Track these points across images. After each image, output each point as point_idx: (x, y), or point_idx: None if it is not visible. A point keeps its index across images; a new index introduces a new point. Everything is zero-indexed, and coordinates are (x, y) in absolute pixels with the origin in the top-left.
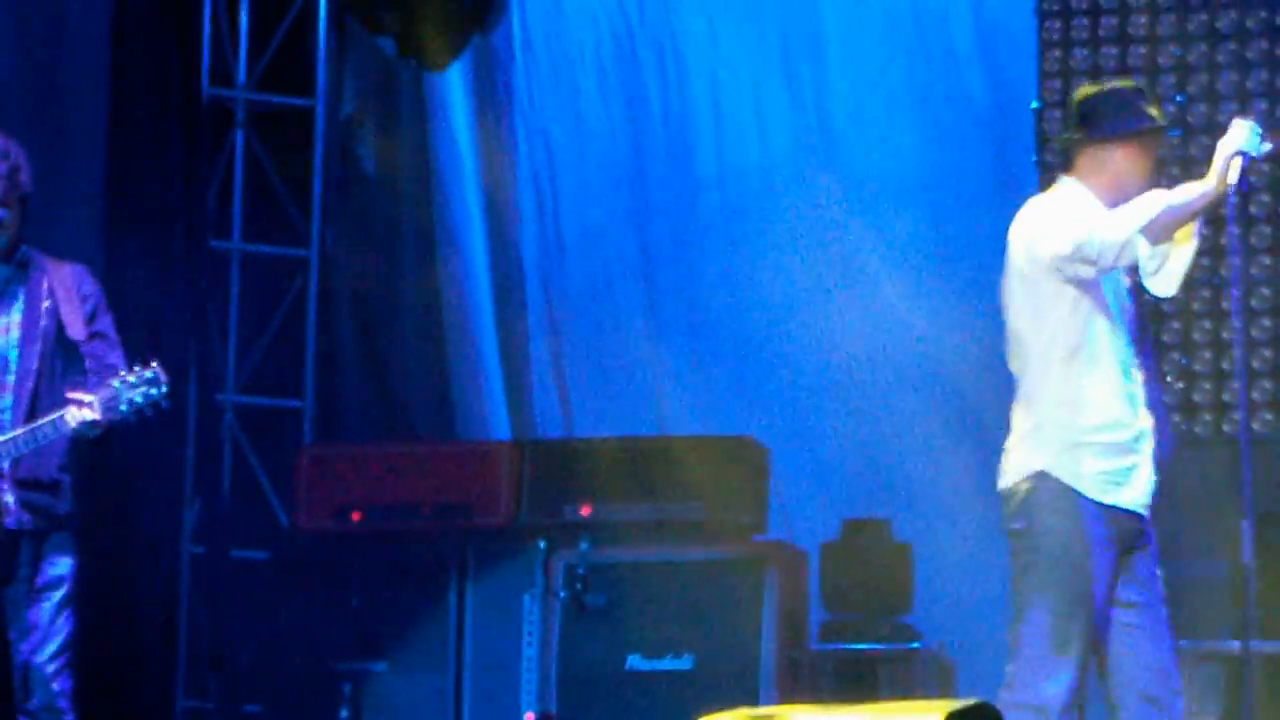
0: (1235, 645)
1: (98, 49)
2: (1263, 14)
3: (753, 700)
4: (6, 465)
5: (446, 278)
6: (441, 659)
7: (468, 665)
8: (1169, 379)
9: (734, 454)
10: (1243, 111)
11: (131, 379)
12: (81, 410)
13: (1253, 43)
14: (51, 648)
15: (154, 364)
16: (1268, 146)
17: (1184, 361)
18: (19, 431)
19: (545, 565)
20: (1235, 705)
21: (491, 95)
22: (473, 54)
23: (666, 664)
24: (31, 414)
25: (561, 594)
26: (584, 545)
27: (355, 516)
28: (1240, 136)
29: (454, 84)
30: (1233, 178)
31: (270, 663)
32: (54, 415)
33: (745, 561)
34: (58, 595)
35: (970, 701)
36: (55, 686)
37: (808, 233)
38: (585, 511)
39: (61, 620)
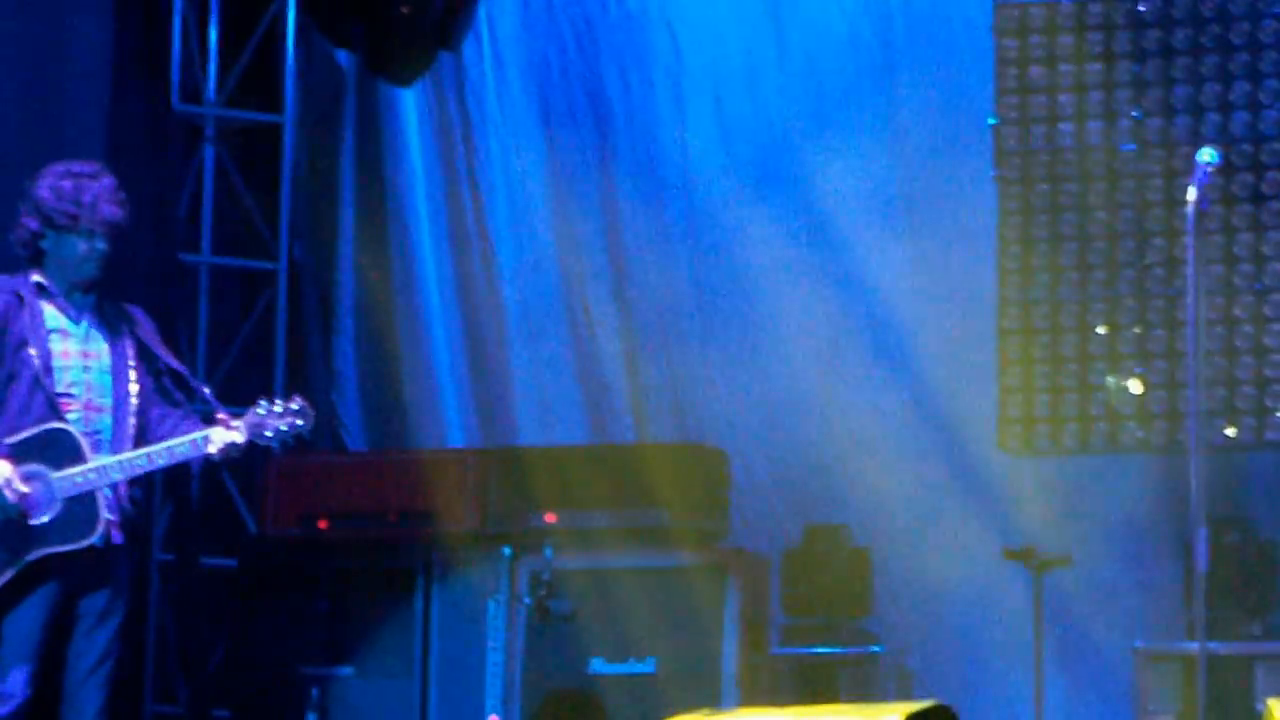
0: (1191, 646)
1: (100, 64)
2: (1215, 29)
3: (714, 703)
4: (124, 483)
5: (401, 288)
6: (408, 664)
7: (434, 670)
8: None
9: (695, 461)
10: (1196, 126)
11: (278, 408)
12: (229, 432)
13: (1206, 58)
14: (102, 674)
15: (298, 397)
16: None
17: (1139, 370)
18: (155, 448)
19: (510, 571)
20: (1191, 704)
21: (460, 110)
22: (437, 70)
23: (629, 667)
24: (139, 439)
25: (526, 599)
26: (548, 552)
27: (322, 524)
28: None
29: (409, 100)
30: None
31: (239, 668)
32: (195, 435)
33: (707, 567)
34: (118, 620)
35: (928, 703)
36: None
37: (771, 244)
38: (549, 518)
39: (114, 648)
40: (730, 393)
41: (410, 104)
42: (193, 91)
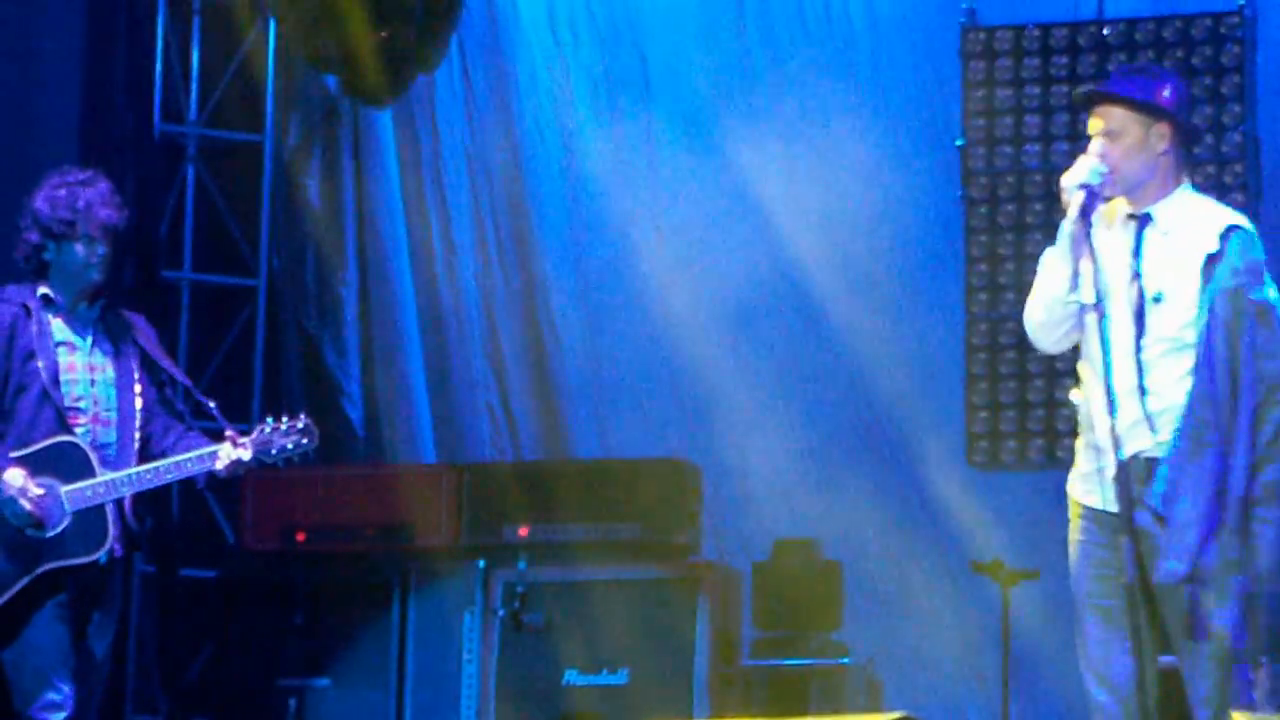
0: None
1: (68, 89)
2: (1179, 54)
3: (686, 715)
4: (129, 498)
5: (376, 306)
6: (384, 675)
7: (409, 681)
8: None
9: (668, 476)
10: None
11: (283, 427)
12: (236, 450)
13: None
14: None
15: (303, 415)
16: (1104, 169)
17: None
18: (162, 463)
19: (485, 584)
20: None
21: (430, 129)
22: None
23: (602, 679)
24: (144, 451)
25: (500, 612)
26: (522, 565)
27: (300, 537)
28: (1081, 171)
29: (386, 119)
30: (1074, 211)
31: (218, 678)
32: (203, 451)
33: (679, 580)
34: (111, 634)
35: (896, 715)
36: None
37: (742, 261)
38: (523, 532)
39: (105, 662)
40: (699, 406)
41: (384, 123)
42: (175, 111)
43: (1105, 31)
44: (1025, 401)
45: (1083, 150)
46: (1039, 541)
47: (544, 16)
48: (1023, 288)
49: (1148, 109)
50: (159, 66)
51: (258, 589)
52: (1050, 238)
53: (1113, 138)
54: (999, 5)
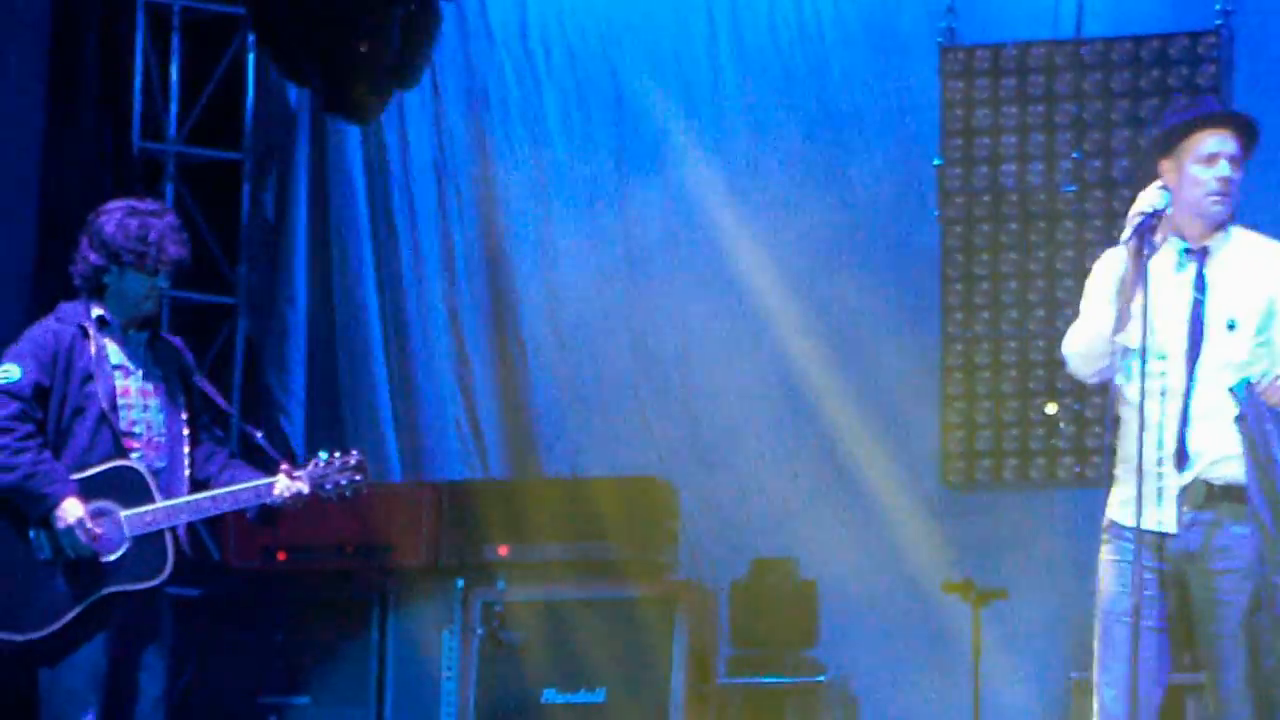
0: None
1: (31, 104)
2: (1155, 73)
3: None
4: (183, 526)
5: (342, 322)
6: (363, 693)
7: (389, 699)
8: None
9: (645, 496)
10: (1135, 168)
11: (337, 463)
12: (294, 483)
13: (1145, 100)
14: (164, 705)
15: (356, 451)
16: (1169, 196)
17: (1076, 406)
18: (219, 491)
19: (464, 603)
20: None
21: (397, 142)
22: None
23: (580, 697)
24: (192, 479)
25: (479, 630)
26: (501, 584)
27: (281, 556)
28: (1149, 197)
29: (354, 134)
30: (1128, 236)
31: (199, 696)
32: (259, 482)
33: (656, 599)
34: (170, 654)
35: None
36: None
37: (714, 282)
38: (502, 551)
39: (170, 680)
40: (676, 426)
41: (355, 138)
42: (155, 129)
43: (1082, 51)
44: (1000, 421)
45: (1062, 170)
46: (1012, 559)
47: (515, 29)
48: (998, 307)
49: (1253, 146)
50: (138, 84)
51: (239, 607)
52: (1026, 257)
53: (1237, 164)
54: (977, 24)
